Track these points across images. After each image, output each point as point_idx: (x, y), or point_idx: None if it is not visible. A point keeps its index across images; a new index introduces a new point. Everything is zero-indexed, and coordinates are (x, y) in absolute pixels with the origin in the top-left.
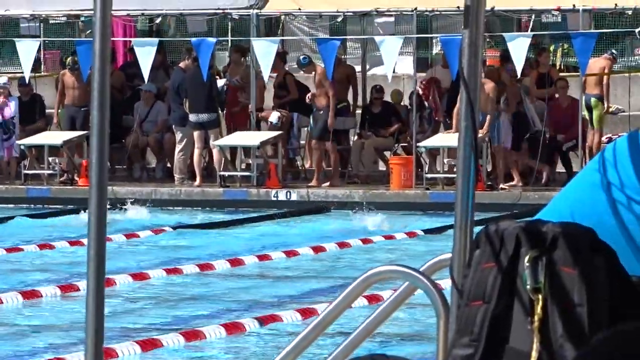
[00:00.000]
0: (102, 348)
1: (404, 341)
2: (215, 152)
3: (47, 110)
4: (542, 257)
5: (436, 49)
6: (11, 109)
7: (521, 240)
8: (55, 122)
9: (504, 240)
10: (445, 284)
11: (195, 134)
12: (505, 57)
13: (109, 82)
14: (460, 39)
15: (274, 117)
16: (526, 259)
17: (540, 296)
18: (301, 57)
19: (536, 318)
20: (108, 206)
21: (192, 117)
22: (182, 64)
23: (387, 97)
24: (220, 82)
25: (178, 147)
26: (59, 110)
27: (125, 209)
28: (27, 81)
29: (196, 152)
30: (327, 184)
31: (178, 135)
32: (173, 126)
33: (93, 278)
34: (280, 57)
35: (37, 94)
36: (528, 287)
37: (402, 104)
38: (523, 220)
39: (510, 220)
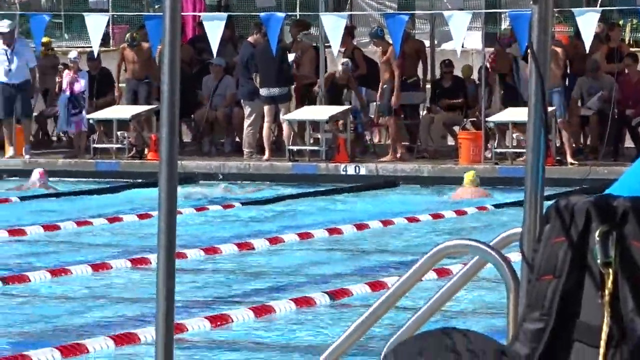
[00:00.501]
0: (173, 323)
1: (475, 315)
2: (284, 126)
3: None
4: (612, 232)
5: (504, 24)
6: (81, 84)
7: (591, 215)
8: (117, 95)
9: (574, 215)
10: (516, 258)
11: (266, 108)
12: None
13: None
14: (529, 14)
15: (344, 61)
16: (597, 233)
17: (611, 270)
18: (378, 29)
19: (607, 292)
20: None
21: (263, 92)
22: (251, 39)
23: (457, 72)
24: (291, 57)
25: (247, 122)
26: (122, 85)
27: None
28: (95, 55)
29: (265, 125)
30: (397, 157)
31: (247, 110)
32: (242, 100)
33: (164, 251)
34: (349, 31)
35: (106, 68)
36: (599, 261)
37: (471, 78)
38: (593, 195)
39: (580, 195)
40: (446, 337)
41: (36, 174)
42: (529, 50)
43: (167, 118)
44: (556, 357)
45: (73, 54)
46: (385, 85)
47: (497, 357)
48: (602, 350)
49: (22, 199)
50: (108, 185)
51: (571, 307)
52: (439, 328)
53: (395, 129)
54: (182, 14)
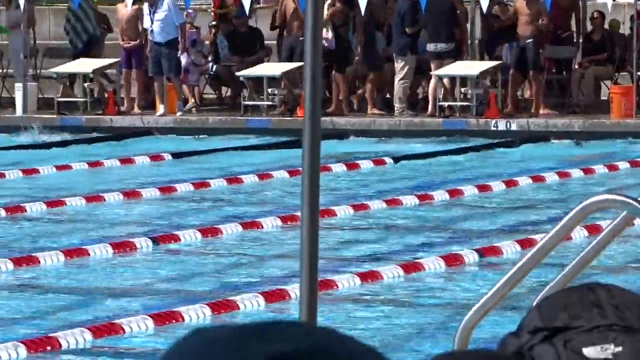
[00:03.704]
0: (316, 280)
1: (625, 271)
2: (432, 81)
3: (265, 42)
4: None
5: None
6: (190, 40)
7: None
8: None
9: None
10: None
11: (433, 64)
12: None
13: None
14: None
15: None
16: None
17: None
18: None
19: None
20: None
21: (430, 47)
22: None
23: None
24: None
25: (398, 76)
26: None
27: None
28: (247, 13)
29: (432, 82)
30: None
31: (399, 64)
32: (394, 55)
33: (307, 208)
34: None
35: (255, 27)
36: None
37: (621, 32)
38: None
39: None
40: (590, 292)
41: None
42: None
43: (311, 74)
44: None
45: (190, 11)
46: (529, 40)
47: None
48: None
49: (174, 156)
50: (258, 142)
51: None
52: (583, 284)
53: (537, 84)
54: None
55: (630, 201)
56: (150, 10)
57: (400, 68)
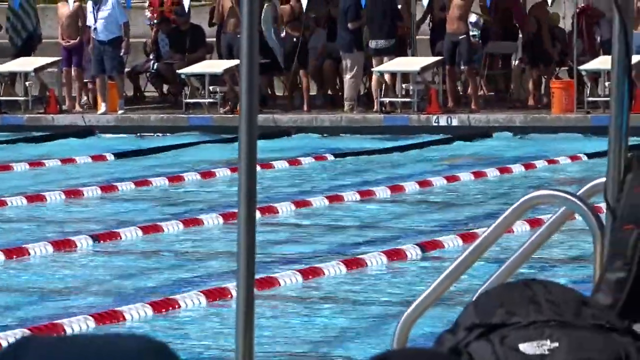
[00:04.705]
0: (253, 277)
1: (566, 265)
2: (374, 78)
3: (207, 39)
4: None
5: None
6: None
7: None
8: None
9: None
10: (604, 208)
11: (374, 60)
12: None
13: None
14: None
15: (472, 17)
16: None
17: None
18: None
19: None
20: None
21: (371, 44)
22: None
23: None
24: None
25: (349, 74)
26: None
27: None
28: (186, 10)
29: (374, 79)
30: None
31: (347, 62)
32: (341, 52)
33: (244, 205)
34: None
35: (196, 25)
36: None
37: (561, 26)
38: None
39: None
40: (526, 288)
41: None
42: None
43: (247, 71)
44: (639, 307)
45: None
46: (462, 36)
47: (577, 308)
48: None
49: (116, 156)
50: (201, 140)
51: None
52: (520, 280)
53: (473, 80)
54: None
55: (569, 196)
56: (94, 8)
57: (350, 67)
